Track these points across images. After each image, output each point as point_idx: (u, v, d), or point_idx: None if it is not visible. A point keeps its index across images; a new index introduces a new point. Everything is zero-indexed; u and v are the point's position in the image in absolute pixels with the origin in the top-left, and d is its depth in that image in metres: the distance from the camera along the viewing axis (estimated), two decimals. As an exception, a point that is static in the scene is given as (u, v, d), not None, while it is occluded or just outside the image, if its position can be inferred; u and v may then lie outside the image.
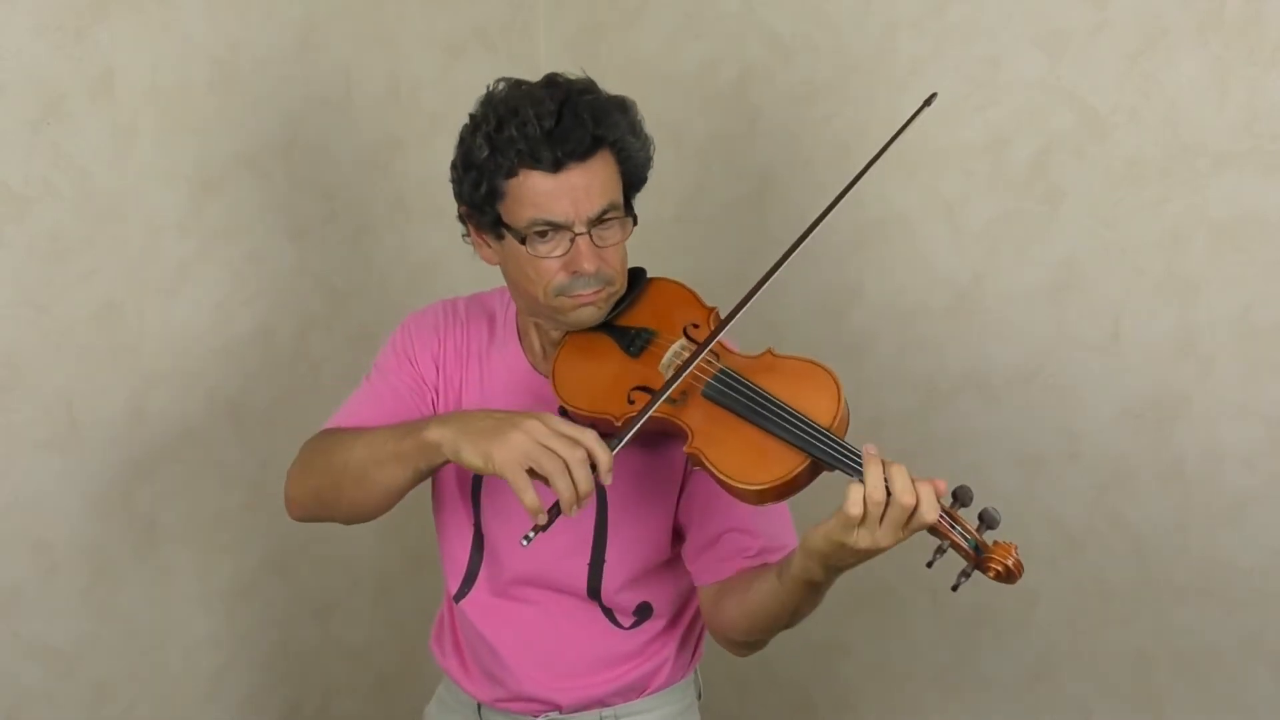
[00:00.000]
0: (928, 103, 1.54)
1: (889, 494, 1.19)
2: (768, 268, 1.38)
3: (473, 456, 1.28)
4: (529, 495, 1.25)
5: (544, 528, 1.27)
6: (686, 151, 2.39)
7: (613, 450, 1.28)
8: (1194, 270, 1.91)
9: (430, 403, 1.57)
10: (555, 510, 1.27)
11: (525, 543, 1.27)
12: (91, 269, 1.89)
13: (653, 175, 1.48)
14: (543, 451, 1.25)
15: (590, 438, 1.27)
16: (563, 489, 1.25)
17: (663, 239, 2.38)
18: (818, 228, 1.40)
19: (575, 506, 1.26)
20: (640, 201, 1.48)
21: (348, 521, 1.51)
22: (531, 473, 1.26)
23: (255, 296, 2.11)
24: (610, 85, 1.44)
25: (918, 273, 2.16)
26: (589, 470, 1.26)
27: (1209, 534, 1.95)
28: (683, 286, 1.52)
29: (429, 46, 2.35)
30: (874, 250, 2.19)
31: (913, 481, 1.19)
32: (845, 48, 2.17)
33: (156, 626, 2.04)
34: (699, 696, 1.67)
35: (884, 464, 1.20)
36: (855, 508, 1.18)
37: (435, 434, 1.33)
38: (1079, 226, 1.99)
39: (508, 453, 1.26)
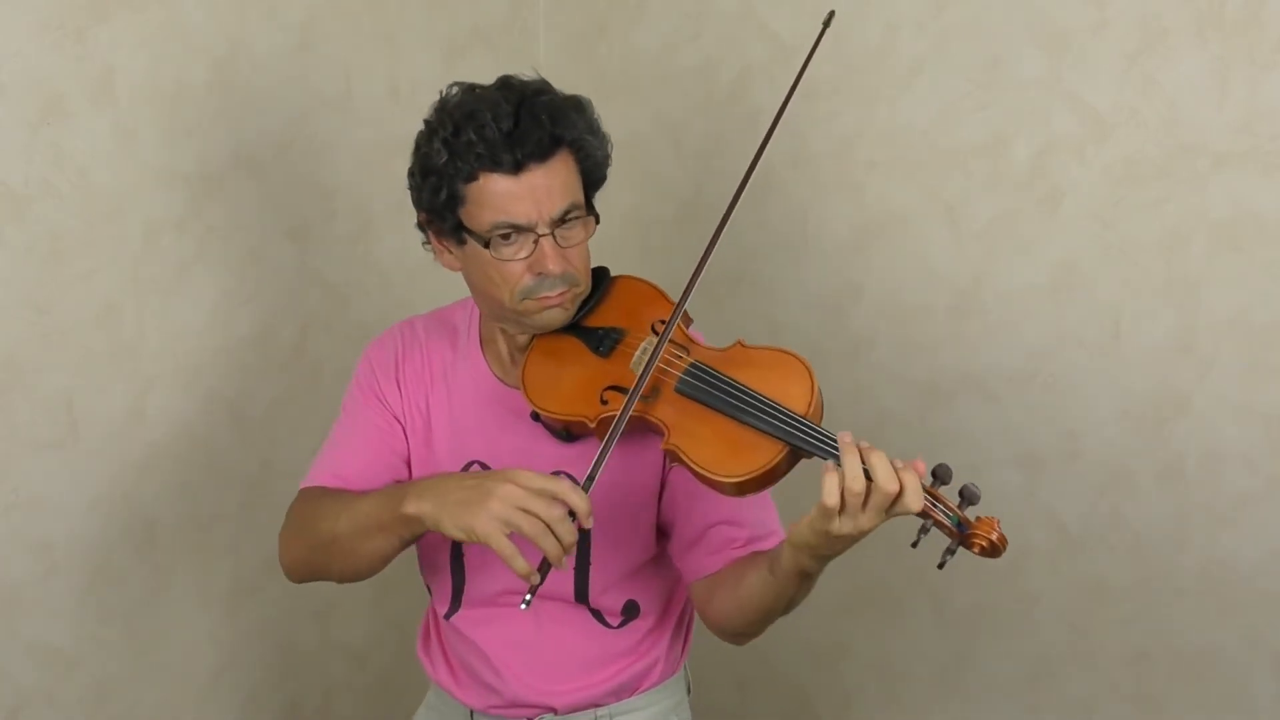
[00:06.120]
0: (827, 24, 1.51)
1: (869, 480, 1.18)
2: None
3: (453, 530, 1.29)
4: (518, 562, 1.26)
5: (539, 585, 1.28)
6: (686, 151, 2.38)
7: (587, 489, 1.28)
8: (1194, 270, 1.91)
9: (402, 434, 1.57)
10: (546, 566, 1.27)
11: (524, 606, 1.28)
12: (91, 269, 1.89)
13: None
14: (522, 515, 1.25)
15: (565, 488, 1.26)
16: (549, 548, 1.25)
17: (662, 239, 2.38)
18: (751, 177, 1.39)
19: (564, 559, 1.26)
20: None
21: (342, 583, 1.52)
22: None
23: (255, 296, 2.11)
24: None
25: (918, 273, 2.15)
26: (570, 523, 1.26)
27: (1209, 534, 1.95)
28: (647, 283, 1.51)
29: (429, 46, 2.35)
30: (874, 250, 2.19)
31: (895, 469, 1.19)
32: (845, 48, 2.17)
33: (156, 626, 2.04)
34: (688, 691, 1.68)
35: (861, 451, 1.19)
36: (831, 499, 1.18)
37: (414, 508, 1.33)
38: (1079, 226, 1.99)
39: (487, 523, 1.26)
